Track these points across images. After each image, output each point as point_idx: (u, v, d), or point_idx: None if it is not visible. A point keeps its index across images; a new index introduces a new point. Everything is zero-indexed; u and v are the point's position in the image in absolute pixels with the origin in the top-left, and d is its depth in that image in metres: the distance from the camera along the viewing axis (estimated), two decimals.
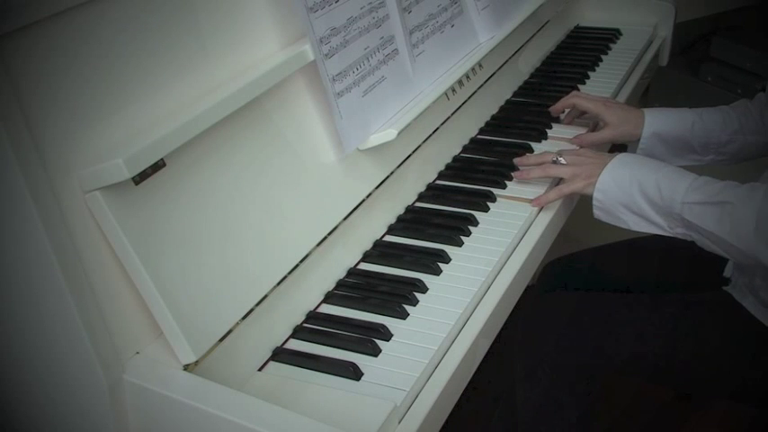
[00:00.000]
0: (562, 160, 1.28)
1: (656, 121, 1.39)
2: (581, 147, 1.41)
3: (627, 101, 1.69)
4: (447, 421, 0.99)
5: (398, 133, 1.18)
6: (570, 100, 1.48)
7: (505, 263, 1.17)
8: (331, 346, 1.02)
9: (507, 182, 1.36)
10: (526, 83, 1.72)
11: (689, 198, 1.13)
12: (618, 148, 1.56)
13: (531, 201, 1.27)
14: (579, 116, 1.53)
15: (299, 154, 1.10)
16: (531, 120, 1.56)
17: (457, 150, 1.46)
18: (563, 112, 1.54)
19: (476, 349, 1.03)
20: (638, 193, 1.17)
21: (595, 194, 1.22)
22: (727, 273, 1.29)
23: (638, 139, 1.40)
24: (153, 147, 0.86)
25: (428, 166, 1.37)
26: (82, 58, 0.84)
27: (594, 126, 1.51)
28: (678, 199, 1.14)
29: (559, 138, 1.50)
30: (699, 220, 1.12)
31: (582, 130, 1.51)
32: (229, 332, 0.94)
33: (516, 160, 1.37)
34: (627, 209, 1.20)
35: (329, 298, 1.11)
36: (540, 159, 1.32)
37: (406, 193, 1.31)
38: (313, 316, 1.07)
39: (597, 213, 1.24)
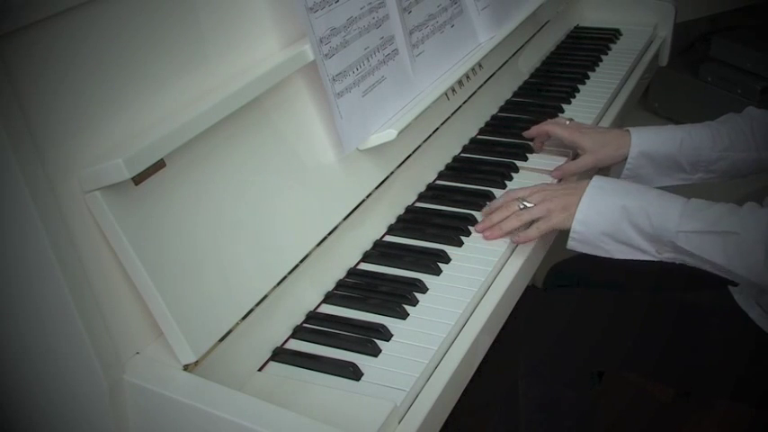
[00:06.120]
0: (529, 204, 1.19)
1: (644, 140, 1.34)
2: (561, 179, 1.35)
3: (627, 101, 1.68)
4: (447, 421, 0.99)
5: (398, 133, 1.18)
6: (544, 127, 1.41)
7: (506, 263, 1.17)
8: (331, 346, 1.02)
9: (507, 182, 1.36)
10: (526, 83, 1.72)
11: (684, 227, 1.09)
12: (602, 171, 1.44)
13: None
14: (548, 140, 1.44)
15: (298, 154, 1.10)
16: (531, 120, 1.55)
17: (457, 150, 1.46)
18: (538, 139, 1.44)
19: (476, 349, 1.04)
20: (626, 221, 1.13)
21: (575, 226, 1.16)
22: None
23: (624, 160, 1.35)
24: (153, 147, 0.86)
25: (428, 166, 1.37)
26: (82, 58, 0.84)
27: (574, 156, 1.43)
28: (672, 228, 1.10)
29: None
30: (699, 250, 1.08)
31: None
32: (229, 332, 0.94)
33: (482, 213, 1.26)
34: (611, 238, 1.15)
35: (329, 298, 1.11)
36: (506, 209, 1.21)
37: (405, 193, 1.31)
38: (313, 316, 1.07)
39: (573, 245, 1.18)
